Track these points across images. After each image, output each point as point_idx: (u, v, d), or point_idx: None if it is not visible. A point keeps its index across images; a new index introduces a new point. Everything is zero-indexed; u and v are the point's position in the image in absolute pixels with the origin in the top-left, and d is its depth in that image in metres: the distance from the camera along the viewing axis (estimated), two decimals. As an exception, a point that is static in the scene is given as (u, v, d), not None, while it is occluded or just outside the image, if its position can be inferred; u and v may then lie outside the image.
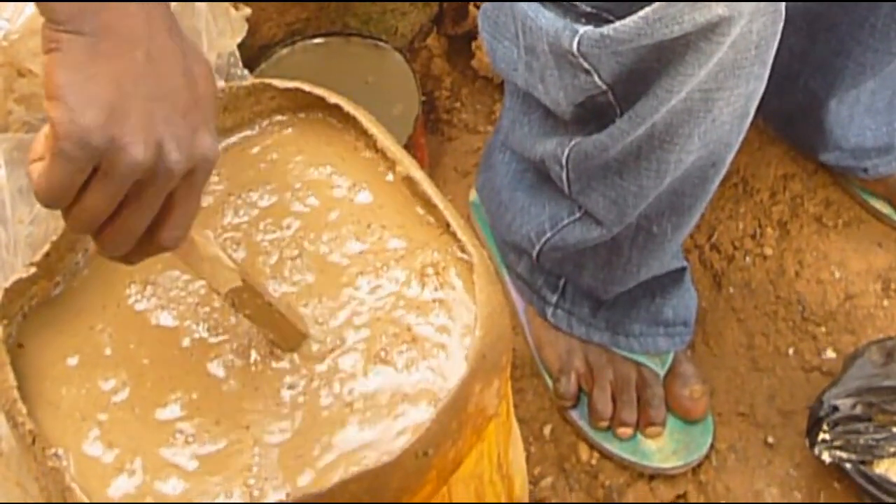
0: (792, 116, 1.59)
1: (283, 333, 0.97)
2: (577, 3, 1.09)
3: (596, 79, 1.13)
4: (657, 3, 1.03)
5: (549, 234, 1.37)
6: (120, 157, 0.78)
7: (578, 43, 1.09)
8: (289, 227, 1.03)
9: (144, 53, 0.80)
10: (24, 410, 0.91)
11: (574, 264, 1.40)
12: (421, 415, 0.92)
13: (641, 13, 1.04)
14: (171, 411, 0.95)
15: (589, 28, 1.08)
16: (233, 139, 1.08)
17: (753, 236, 1.60)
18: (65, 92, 0.77)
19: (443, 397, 0.91)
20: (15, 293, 0.97)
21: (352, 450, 0.92)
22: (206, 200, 1.03)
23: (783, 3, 1.08)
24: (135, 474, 0.91)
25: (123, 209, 0.81)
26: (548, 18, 1.12)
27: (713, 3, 1.02)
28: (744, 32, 1.07)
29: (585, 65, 1.11)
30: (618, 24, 1.06)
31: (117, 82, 0.79)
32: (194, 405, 0.95)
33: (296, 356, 0.97)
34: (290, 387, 0.95)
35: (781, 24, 1.10)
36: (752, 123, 1.63)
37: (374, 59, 1.59)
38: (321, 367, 0.96)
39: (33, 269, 0.98)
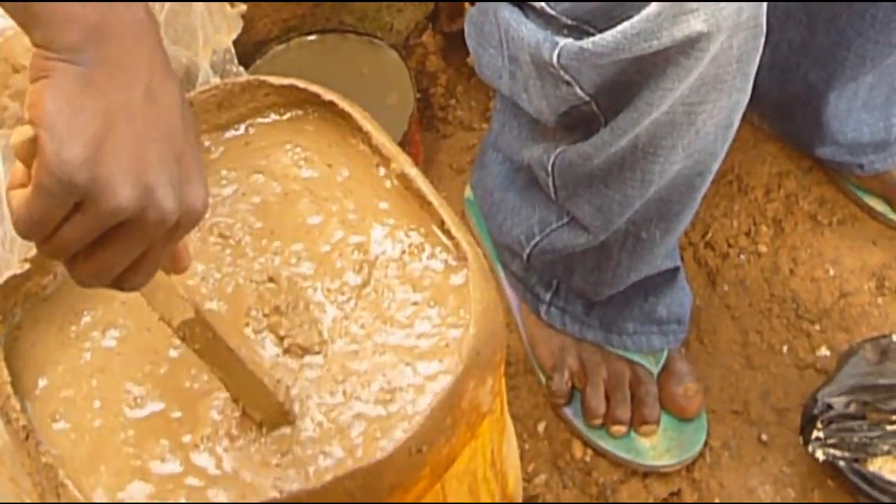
0: (790, 110, 1.59)
1: (241, 385, 0.92)
2: (558, 16, 1.09)
3: (577, 90, 1.13)
4: (636, 18, 1.03)
5: (537, 238, 1.37)
6: (103, 197, 0.72)
7: (559, 55, 1.09)
8: (283, 222, 1.03)
9: (143, 90, 0.74)
10: (18, 406, 0.92)
11: (564, 267, 1.40)
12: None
13: (620, 27, 1.04)
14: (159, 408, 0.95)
15: (569, 41, 1.08)
16: (228, 135, 1.08)
17: (748, 234, 1.60)
18: (54, 120, 0.71)
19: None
20: (9, 289, 0.97)
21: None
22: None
23: (763, 19, 1.07)
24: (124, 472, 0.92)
25: (102, 248, 0.75)
26: (530, 29, 1.12)
27: (692, 19, 1.02)
28: (724, 47, 1.06)
29: (566, 77, 1.11)
30: (597, 37, 1.06)
31: (109, 118, 0.73)
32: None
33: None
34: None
35: (763, 39, 1.09)
36: (747, 120, 1.64)
37: (369, 55, 1.59)
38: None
39: (27, 266, 0.98)
